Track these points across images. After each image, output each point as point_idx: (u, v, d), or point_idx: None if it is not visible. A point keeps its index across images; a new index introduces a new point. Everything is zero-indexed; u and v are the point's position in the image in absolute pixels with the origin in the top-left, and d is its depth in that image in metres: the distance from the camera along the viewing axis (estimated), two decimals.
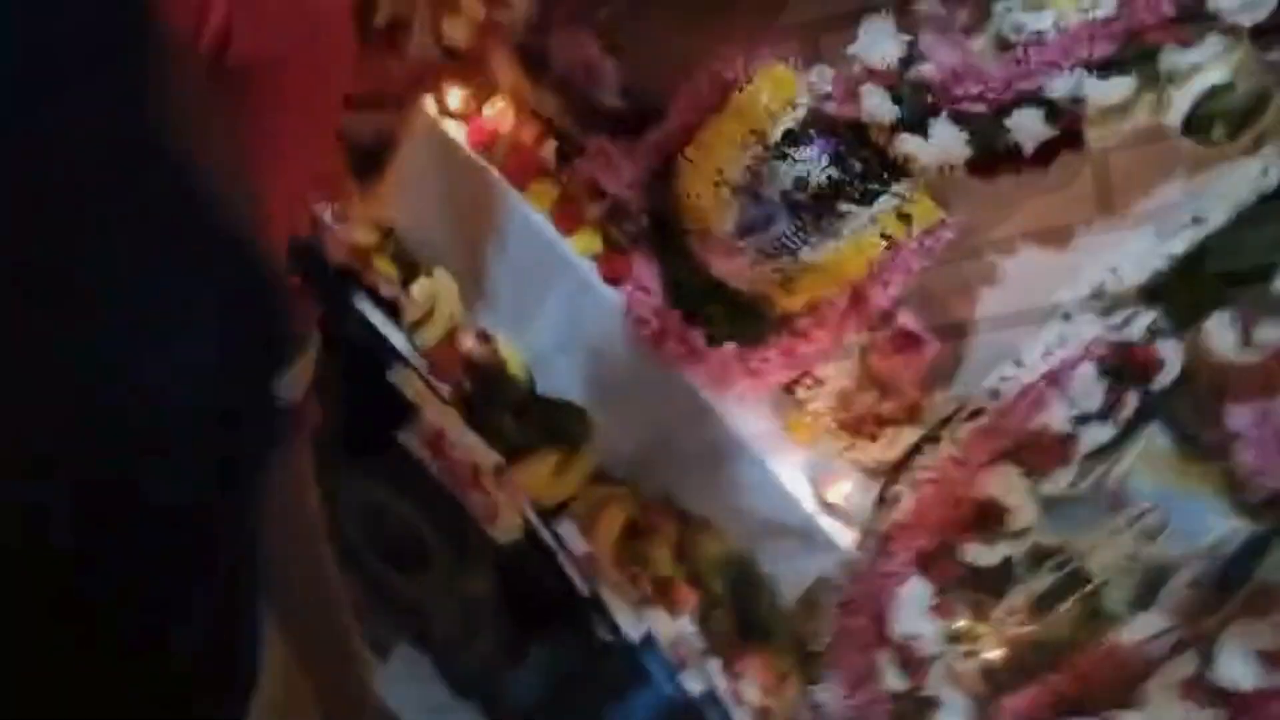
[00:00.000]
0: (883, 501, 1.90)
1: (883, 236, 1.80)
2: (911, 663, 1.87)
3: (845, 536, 1.76)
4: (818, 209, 1.86)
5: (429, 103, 1.75)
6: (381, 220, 1.77)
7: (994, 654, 1.91)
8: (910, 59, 1.73)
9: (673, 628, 1.46)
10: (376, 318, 1.46)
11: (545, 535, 1.40)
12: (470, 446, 1.36)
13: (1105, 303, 1.78)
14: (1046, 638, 1.87)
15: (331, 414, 0.90)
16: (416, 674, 1.44)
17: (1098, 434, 1.79)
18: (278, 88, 0.59)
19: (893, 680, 1.86)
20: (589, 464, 1.76)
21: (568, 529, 1.45)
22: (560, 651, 1.40)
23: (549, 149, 1.77)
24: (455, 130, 1.74)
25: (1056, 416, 1.80)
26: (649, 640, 1.40)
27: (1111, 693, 1.87)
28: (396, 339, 1.47)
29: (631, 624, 1.40)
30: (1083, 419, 1.77)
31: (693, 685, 1.37)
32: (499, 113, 1.77)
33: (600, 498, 1.75)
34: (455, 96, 1.76)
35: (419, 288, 1.70)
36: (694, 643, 1.47)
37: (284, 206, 0.65)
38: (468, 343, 1.74)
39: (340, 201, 1.60)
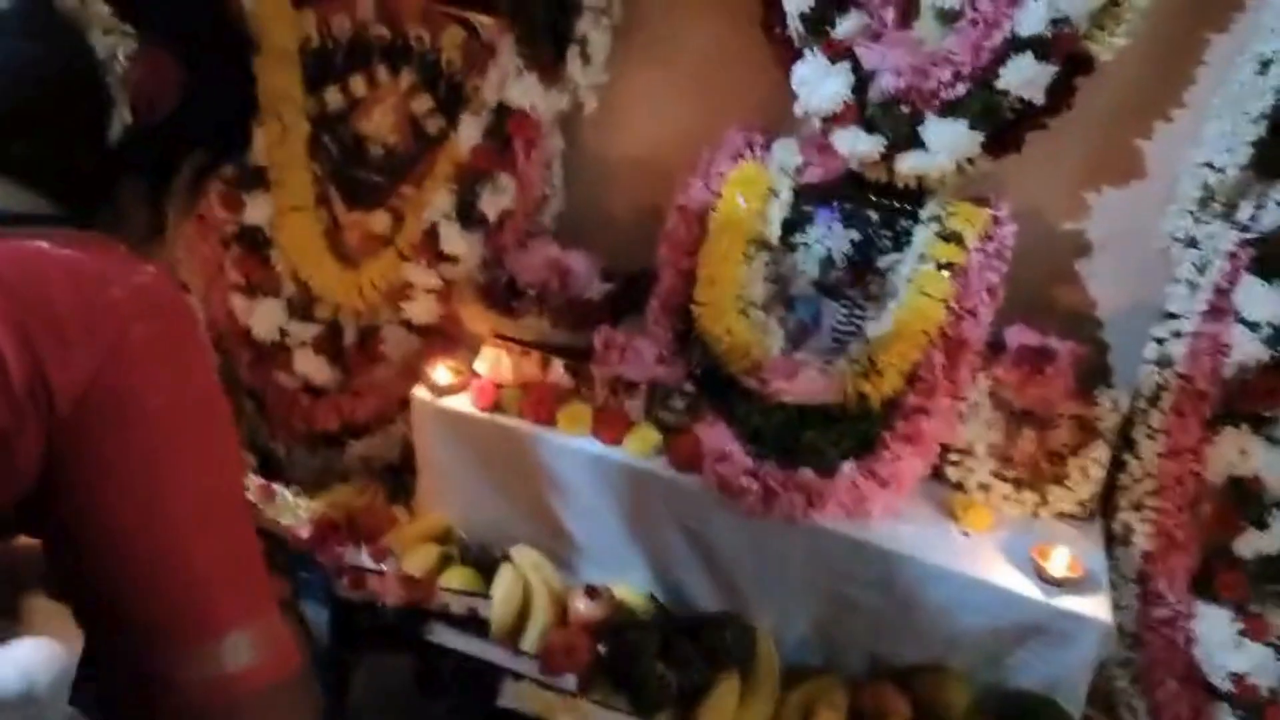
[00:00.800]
0: (1114, 542, 1.57)
1: (941, 268, 1.55)
2: (1257, 704, 1.48)
3: (1096, 603, 1.41)
4: (858, 278, 1.63)
5: (421, 393, 1.59)
6: (434, 531, 1.59)
7: None
8: (863, 82, 1.54)
9: None
10: (462, 642, 1.23)
11: None
12: None
13: (1220, 201, 1.49)
14: None
15: None
16: None
17: None
18: None
19: None
20: (774, 670, 1.47)
21: None
22: None
23: (558, 371, 1.58)
24: (460, 403, 1.58)
25: (1247, 348, 1.48)
26: None
27: None
28: (493, 654, 1.24)
29: None
30: (1278, 332, 1.45)
31: None
32: (492, 365, 1.60)
33: (804, 700, 1.45)
34: (443, 372, 1.60)
35: (502, 581, 1.49)
36: None
37: None
38: (577, 607, 1.50)
39: (377, 539, 1.42)
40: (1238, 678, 1.48)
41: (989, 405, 1.58)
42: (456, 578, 1.50)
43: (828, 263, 1.64)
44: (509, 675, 1.18)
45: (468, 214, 1.71)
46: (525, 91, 1.67)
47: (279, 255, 1.81)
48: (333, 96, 1.79)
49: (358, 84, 1.78)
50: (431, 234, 1.72)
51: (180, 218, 0.84)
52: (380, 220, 1.80)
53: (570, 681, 1.22)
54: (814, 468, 1.46)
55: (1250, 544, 1.50)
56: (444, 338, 1.76)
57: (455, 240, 1.71)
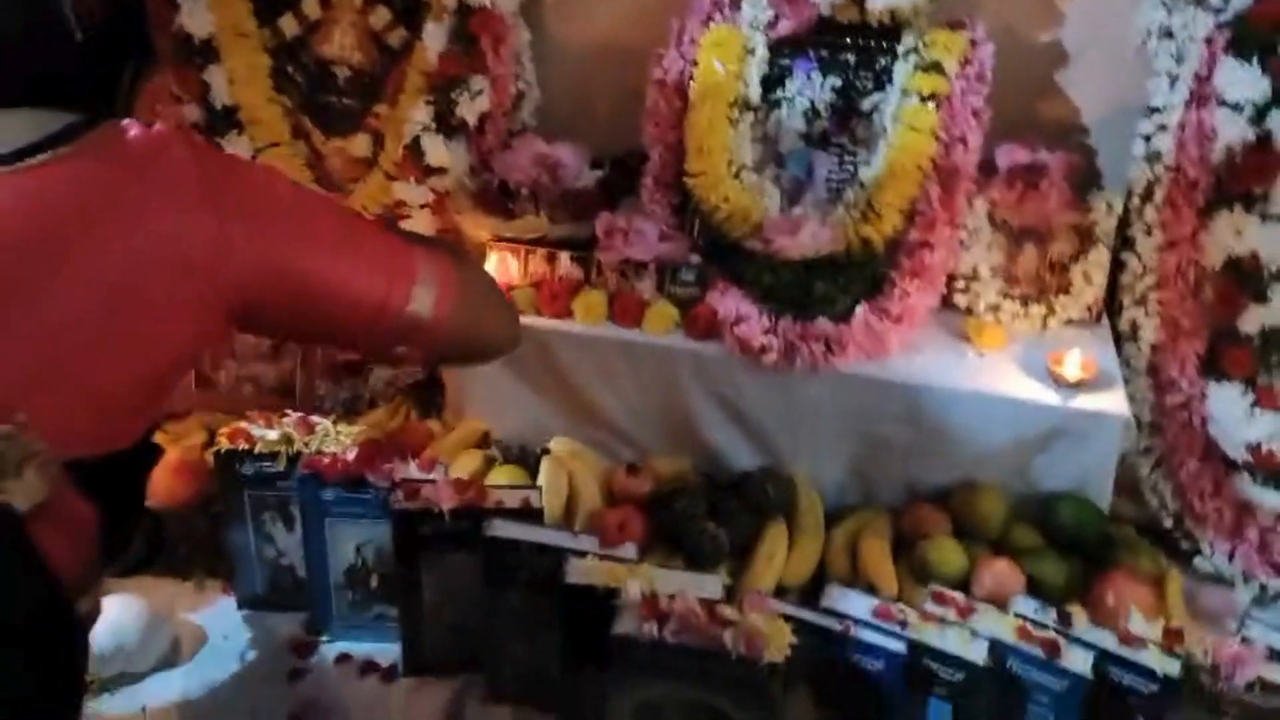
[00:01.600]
0: (1123, 339, 1.62)
1: (925, 100, 1.56)
2: (1272, 469, 1.56)
3: (1112, 399, 1.47)
4: (845, 125, 1.64)
5: None
6: (472, 438, 1.64)
7: None
8: None
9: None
10: (522, 532, 1.30)
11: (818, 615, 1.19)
12: (687, 588, 1.17)
13: None
14: None
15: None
16: None
17: None
18: None
19: (1272, 500, 1.55)
20: (817, 513, 1.54)
21: (844, 597, 1.23)
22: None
23: (565, 264, 1.61)
24: None
25: (1232, 130, 1.51)
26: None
27: None
28: (553, 538, 1.30)
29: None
30: (1262, 109, 1.47)
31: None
32: (500, 268, 1.63)
33: (849, 534, 1.53)
34: None
35: (546, 473, 1.55)
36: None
37: None
38: (622, 485, 1.56)
39: (420, 454, 1.47)
40: (1254, 447, 1.55)
41: (988, 228, 1.62)
42: (503, 477, 1.55)
43: (812, 113, 1.65)
44: (570, 555, 1.25)
45: (447, 123, 1.71)
46: None
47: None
48: (288, 24, 1.77)
49: (311, 6, 1.76)
50: (414, 149, 1.72)
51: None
52: (360, 143, 1.79)
53: (630, 550, 1.28)
54: (829, 316, 1.50)
55: (1254, 320, 1.55)
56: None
57: (439, 151, 1.71)
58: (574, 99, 1.82)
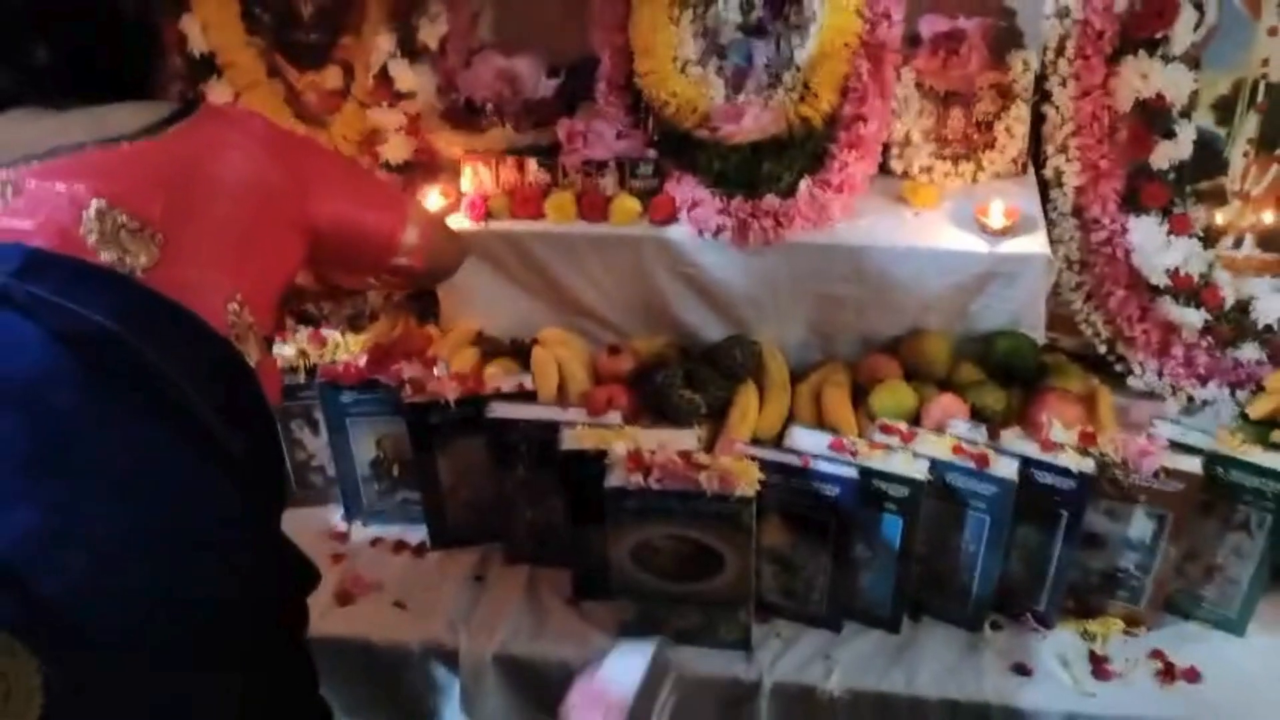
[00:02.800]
0: (1049, 187, 1.77)
1: None
2: (1192, 290, 1.72)
3: (1035, 241, 1.64)
4: (778, 11, 1.76)
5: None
6: (467, 337, 1.81)
7: (1250, 220, 1.75)
8: None
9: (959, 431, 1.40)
10: (517, 411, 1.48)
11: (781, 453, 1.37)
12: (667, 444, 1.35)
13: None
14: None
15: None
16: None
17: None
18: None
19: (1192, 318, 1.73)
20: (783, 372, 1.72)
21: (803, 436, 1.41)
22: None
23: (533, 170, 1.75)
24: (457, 222, 1.76)
25: None
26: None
27: None
28: (548, 413, 1.48)
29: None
30: None
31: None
32: (474, 180, 1.77)
33: (813, 388, 1.71)
34: (435, 197, 1.77)
35: (536, 358, 1.72)
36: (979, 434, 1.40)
37: None
38: (608, 364, 1.74)
39: (423, 354, 1.64)
40: (1173, 271, 1.71)
41: (916, 95, 1.75)
42: (498, 368, 1.73)
43: (747, 4, 1.76)
44: (564, 426, 1.43)
45: (412, 48, 1.83)
46: None
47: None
48: None
49: None
50: (384, 76, 1.84)
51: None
52: (333, 76, 1.91)
53: (615, 416, 1.46)
54: (776, 193, 1.65)
55: (1164, 155, 1.70)
56: (423, 169, 1.92)
57: (407, 76, 1.84)
58: (524, 12, 1.93)
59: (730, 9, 1.76)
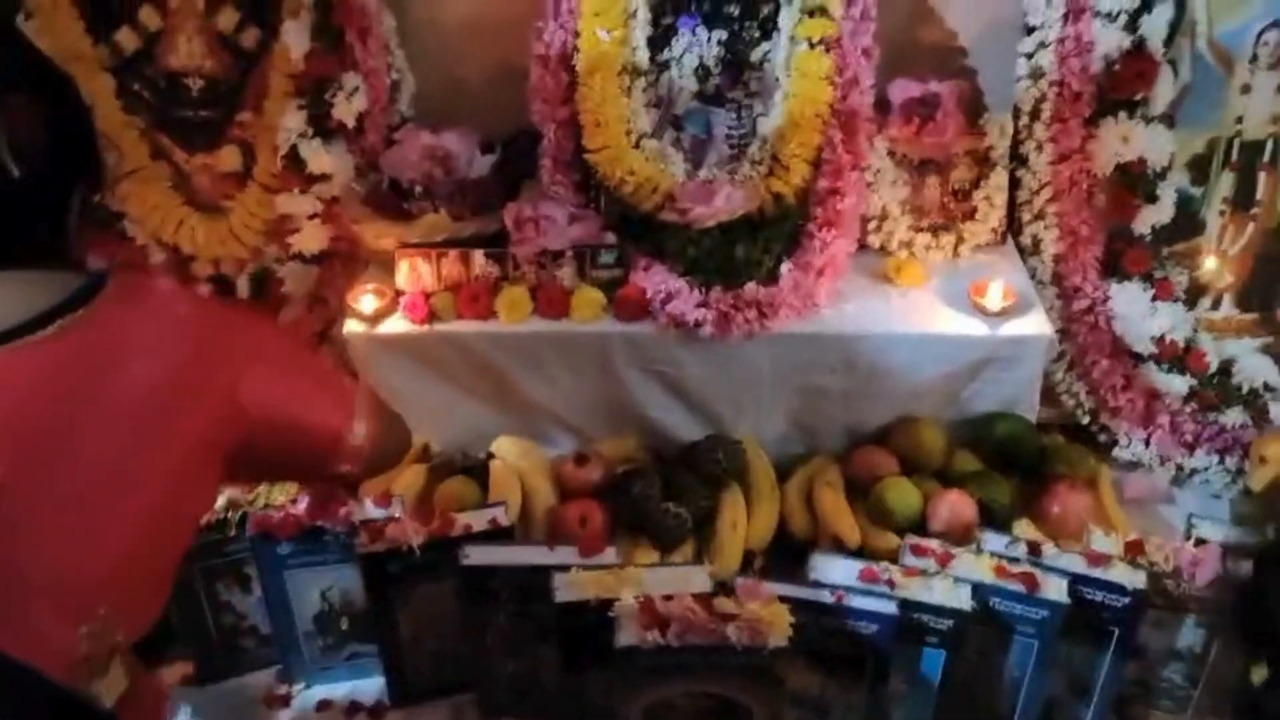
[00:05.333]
0: (1026, 254, 1.68)
1: (814, 45, 1.55)
2: (1177, 356, 1.66)
3: (1035, 321, 1.53)
4: (736, 78, 1.62)
5: (352, 326, 1.55)
6: (412, 454, 1.58)
7: (1228, 280, 1.71)
8: None
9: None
10: (496, 555, 1.28)
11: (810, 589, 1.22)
12: (675, 584, 1.18)
13: None
14: (1275, 216, 1.65)
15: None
16: None
17: (1158, 20, 1.55)
18: None
19: (1178, 385, 1.66)
20: (768, 472, 1.57)
21: (829, 566, 1.26)
22: None
23: (480, 263, 1.55)
24: (395, 325, 1.54)
25: (1109, 39, 1.56)
26: None
27: None
28: (527, 555, 1.28)
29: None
30: (1134, 15, 1.52)
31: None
32: (411, 277, 1.55)
33: (802, 486, 1.56)
34: (368, 299, 1.55)
35: (495, 476, 1.52)
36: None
37: None
38: (573, 477, 1.55)
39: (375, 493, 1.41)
40: (1158, 339, 1.64)
41: (890, 165, 1.63)
42: (452, 489, 1.51)
43: (703, 71, 1.61)
44: (551, 570, 1.23)
45: (324, 126, 1.60)
46: None
47: (134, 227, 1.67)
48: (126, 38, 1.61)
49: (149, 16, 1.61)
50: (293, 157, 1.61)
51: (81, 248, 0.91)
52: (229, 157, 1.67)
53: (611, 555, 1.28)
54: (756, 280, 1.50)
55: (1146, 220, 1.63)
56: (341, 259, 1.69)
57: (320, 157, 1.61)
58: (450, 83, 1.73)
59: (685, 76, 1.61)
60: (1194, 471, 1.70)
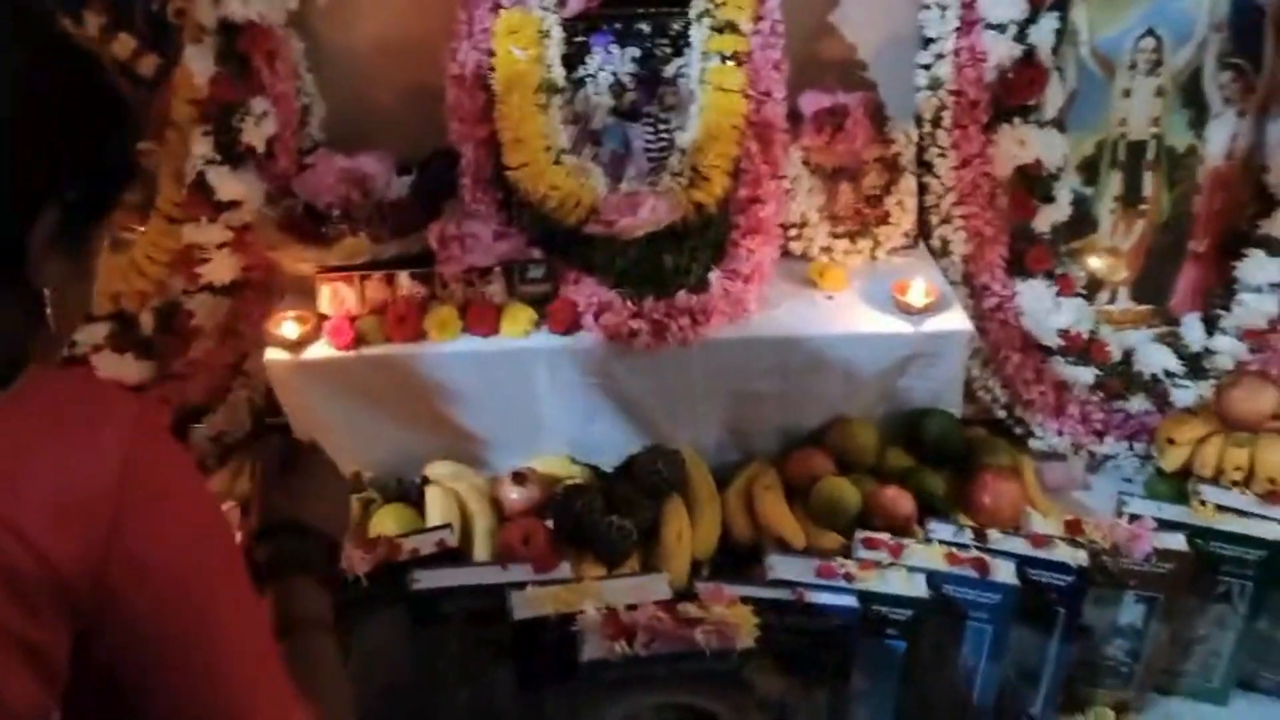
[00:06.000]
0: (936, 256, 1.74)
1: (726, 60, 1.58)
2: (1083, 347, 1.73)
3: (955, 317, 1.59)
4: (652, 93, 1.63)
5: (273, 354, 1.49)
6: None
7: (1123, 274, 1.80)
8: None
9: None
10: (448, 578, 1.23)
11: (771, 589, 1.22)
12: (636, 596, 1.17)
13: None
14: (1167, 214, 1.75)
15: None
16: None
17: (1044, 30, 1.63)
18: None
19: (1085, 376, 1.74)
20: (708, 480, 1.57)
21: (784, 565, 1.26)
22: None
23: (406, 284, 1.51)
24: (319, 351, 1.49)
25: (1000, 50, 1.63)
26: None
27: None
28: (480, 575, 1.25)
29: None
30: (1023, 26, 1.59)
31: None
32: (334, 301, 1.51)
33: (743, 491, 1.57)
34: (290, 325, 1.49)
35: (433, 502, 1.47)
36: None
37: None
38: (512, 496, 1.52)
39: None
40: (1063, 332, 1.72)
41: (806, 174, 1.67)
42: (388, 517, 1.46)
43: (618, 87, 1.62)
44: (506, 589, 1.20)
45: (232, 151, 1.55)
46: (244, 1, 1.49)
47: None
48: None
49: None
50: (200, 185, 1.54)
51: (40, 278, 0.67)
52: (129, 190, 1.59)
53: (566, 569, 1.25)
54: (686, 289, 1.51)
55: (1045, 219, 1.71)
56: (254, 289, 1.63)
57: (229, 183, 1.55)
58: (362, 106, 1.70)
59: (601, 92, 1.61)
60: (1106, 458, 1.78)
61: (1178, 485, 1.56)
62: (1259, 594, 1.30)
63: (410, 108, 1.68)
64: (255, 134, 1.55)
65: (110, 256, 1.59)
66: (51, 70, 0.65)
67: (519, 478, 1.52)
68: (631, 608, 1.13)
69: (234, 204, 1.56)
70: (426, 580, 1.22)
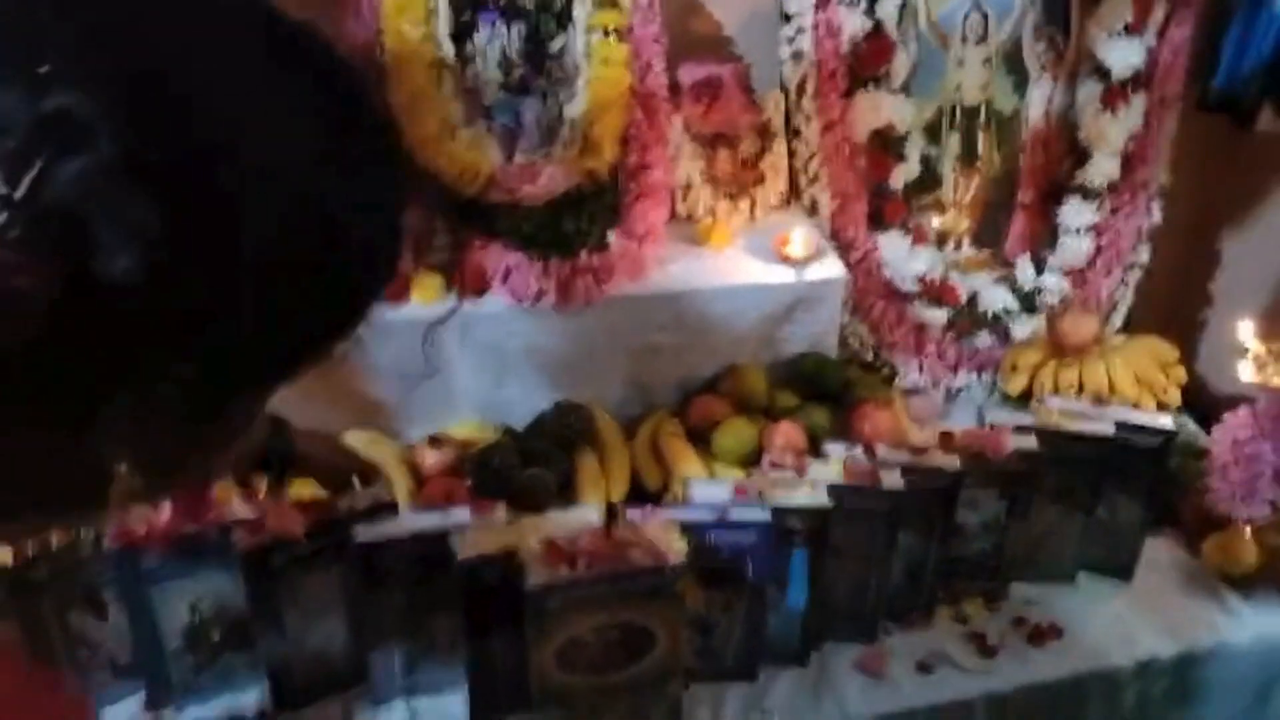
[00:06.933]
0: (808, 214, 1.89)
1: (608, 34, 1.68)
2: (936, 292, 1.92)
3: (832, 265, 1.74)
4: (539, 67, 1.72)
5: None
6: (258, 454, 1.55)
7: (965, 225, 1.99)
8: None
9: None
10: (391, 528, 1.29)
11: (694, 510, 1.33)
12: (572, 524, 1.26)
13: None
14: (998, 169, 1.96)
15: None
16: None
17: (889, 6, 1.79)
18: None
19: (936, 316, 1.93)
20: (616, 431, 1.67)
21: (702, 489, 1.38)
22: None
23: None
24: None
25: (853, 23, 1.79)
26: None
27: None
28: (423, 522, 1.31)
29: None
30: (871, 2, 1.75)
31: None
32: None
33: (648, 440, 1.68)
34: None
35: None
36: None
37: None
38: (429, 460, 1.58)
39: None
40: (920, 278, 1.91)
41: (687, 141, 1.79)
42: (306, 486, 1.50)
43: (506, 63, 1.70)
44: (453, 533, 1.27)
45: None
46: None
47: None
48: None
49: None
50: None
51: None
52: None
53: (501, 511, 1.33)
54: (587, 249, 1.61)
55: (899, 177, 1.89)
56: None
57: None
58: None
59: (490, 68, 1.69)
60: (960, 390, 1.99)
61: (1022, 407, 1.77)
62: (1097, 486, 1.50)
63: None
64: None
65: None
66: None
67: (435, 441, 1.59)
68: (571, 539, 1.22)
69: None
70: (367, 533, 1.27)
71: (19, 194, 0.39)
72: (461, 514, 1.31)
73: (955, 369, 1.98)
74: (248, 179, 0.44)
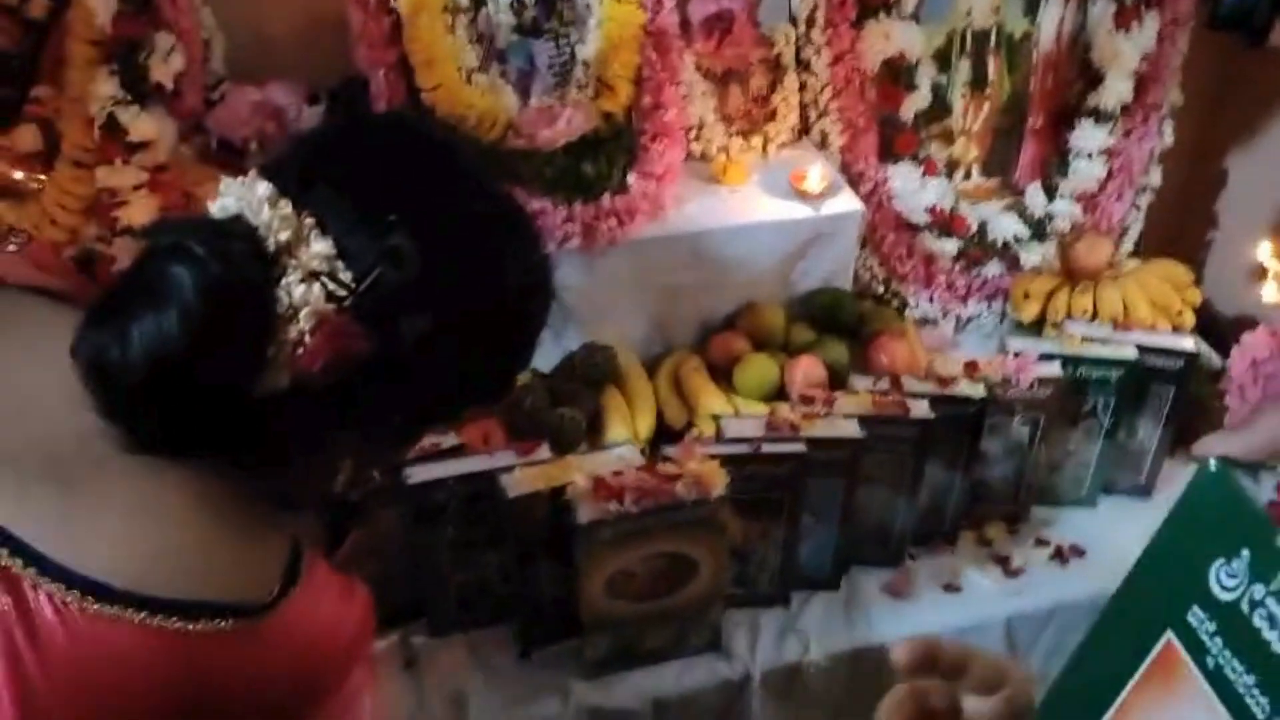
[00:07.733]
0: (818, 149, 1.90)
1: None
2: (945, 222, 1.95)
3: (848, 199, 1.76)
4: (551, 9, 1.71)
5: None
6: None
7: (974, 153, 2.01)
8: None
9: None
10: (442, 470, 1.33)
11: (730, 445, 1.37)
12: (614, 462, 1.30)
13: None
14: (1008, 95, 1.97)
15: None
16: None
17: None
18: None
19: (949, 247, 1.95)
20: (640, 370, 1.71)
21: (736, 425, 1.42)
22: None
23: None
24: None
25: None
26: None
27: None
28: (472, 464, 1.35)
29: None
30: None
31: None
32: None
33: (669, 377, 1.71)
34: None
35: None
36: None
37: None
38: None
39: None
40: (930, 209, 1.93)
41: (700, 78, 1.80)
42: None
43: (518, 5, 1.69)
44: (501, 474, 1.31)
45: (141, 90, 1.54)
46: None
47: None
48: None
49: None
50: (111, 127, 1.53)
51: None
52: (27, 136, 1.55)
53: (545, 451, 1.37)
54: (609, 191, 1.62)
55: (909, 107, 1.90)
56: None
57: (142, 123, 1.53)
58: (262, 37, 1.70)
59: (502, 10, 1.68)
60: (970, 319, 2.02)
61: (1035, 335, 1.81)
62: (1118, 409, 1.55)
63: (309, 37, 1.69)
64: (164, 71, 1.54)
65: (18, 208, 1.56)
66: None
67: None
68: (617, 474, 1.27)
69: (146, 144, 1.56)
70: (420, 474, 1.31)
71: (361, 288, 0.72)
72: (506, 455, 1.35)
73: (965, 299, 2.01)
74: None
